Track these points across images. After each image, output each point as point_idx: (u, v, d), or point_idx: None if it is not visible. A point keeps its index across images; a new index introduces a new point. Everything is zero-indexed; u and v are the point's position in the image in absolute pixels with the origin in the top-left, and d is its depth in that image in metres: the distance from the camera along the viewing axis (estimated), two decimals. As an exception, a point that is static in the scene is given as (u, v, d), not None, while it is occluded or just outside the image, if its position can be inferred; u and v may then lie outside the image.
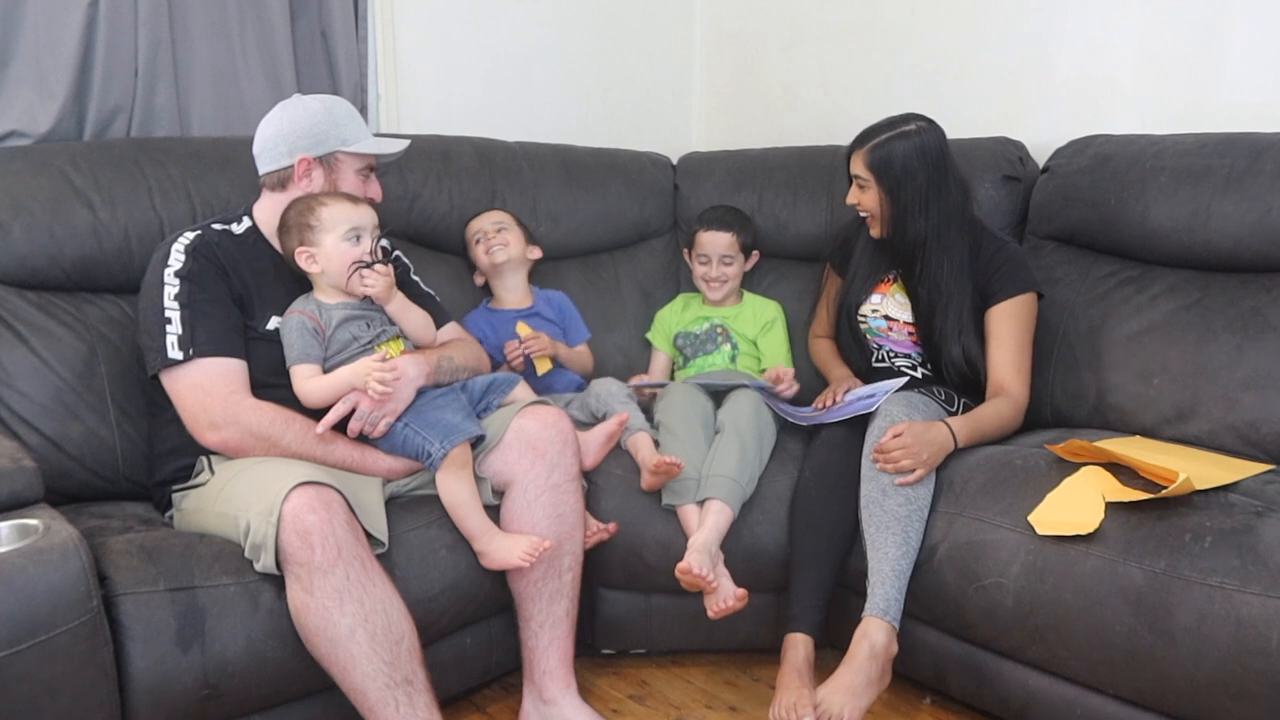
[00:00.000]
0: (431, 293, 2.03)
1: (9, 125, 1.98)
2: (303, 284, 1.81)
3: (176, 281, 1.68)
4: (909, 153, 1.97)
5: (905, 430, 1.77)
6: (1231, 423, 1.86)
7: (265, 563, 1.47)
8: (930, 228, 1.99)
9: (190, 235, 1.74)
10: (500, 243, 2.27)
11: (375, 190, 1.88)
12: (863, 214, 2.07)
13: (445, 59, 2.64)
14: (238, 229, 1.81)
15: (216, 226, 1.79)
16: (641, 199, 2.68)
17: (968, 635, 1.73)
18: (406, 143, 1.89)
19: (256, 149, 1.83)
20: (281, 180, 1.80)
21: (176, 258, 1.70)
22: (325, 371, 1.72)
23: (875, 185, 2.00)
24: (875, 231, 2.08)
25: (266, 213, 1.83)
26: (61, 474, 1.76)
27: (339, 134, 1.80)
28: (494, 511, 1.76)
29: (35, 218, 1.83)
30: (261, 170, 1.83)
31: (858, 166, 2.03)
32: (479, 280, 2.38)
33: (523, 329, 2.24)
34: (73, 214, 1.86)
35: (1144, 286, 2.08)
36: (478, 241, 2.31)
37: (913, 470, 1.76)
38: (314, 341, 1.71)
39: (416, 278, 2.03)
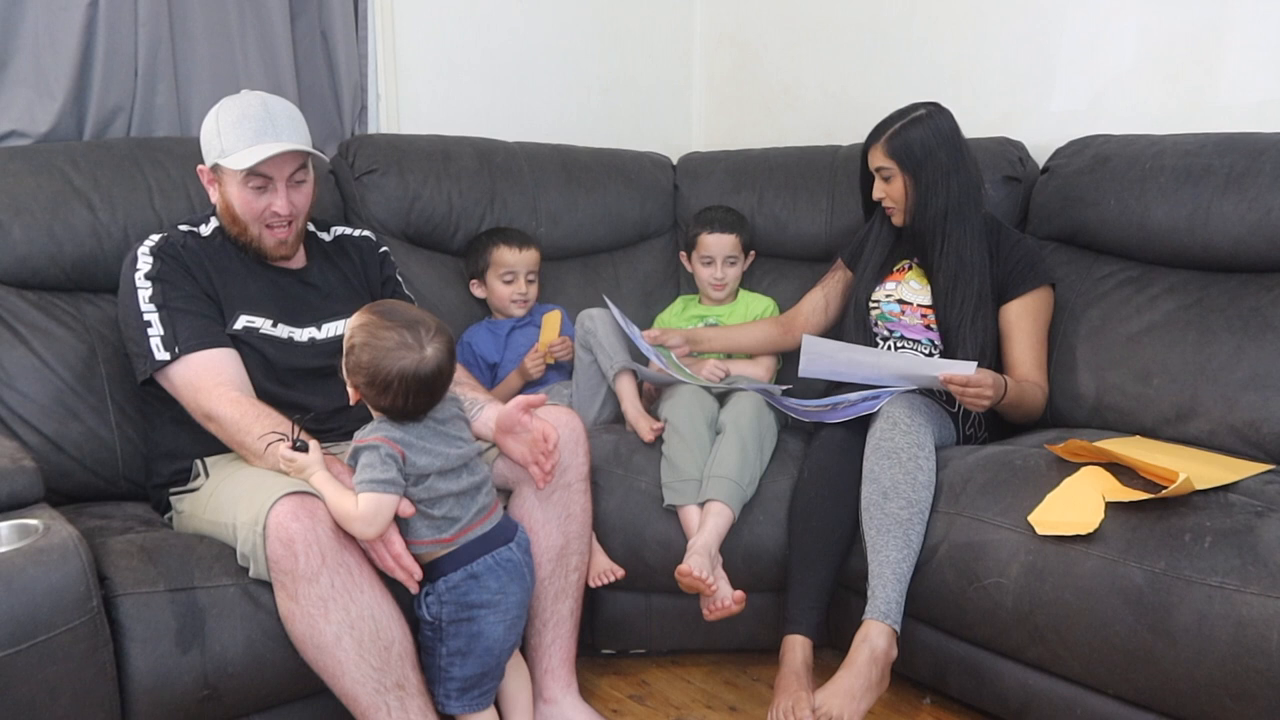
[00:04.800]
0: (412, 298, 2.01)
1: (9, 125, 1.99)
2: (274, 283, 1.79)
3: (148, 284, 1.69)
4: (926, 135, 2.01)
5: (984, 377, 1.83)
6: (1231, 423, 1.86)
7: (256, 570, 1.47)
8: (951, 203, 2.02)
9: (155, 238, 1.74)
10: (531, 296, 2.33)
11: (278, 204, 1.72)
12: (888, 205, 2.10)
13: (445, 59, 2.64)
14: (205, 230, 1.80)
15: (183, 228, 1.79)
16: (641, 199, 2.68)
17: (968, 635, 1.73)
18: (281, 146, 1.68)
19: None
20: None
21: (144, 261, 1.70)
22: None
23: (899, 172, 2.03)
24: (899, 220, 2.10)
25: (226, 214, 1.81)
26: (61, 474, 1.76)
27: (219, 144, 1.71)
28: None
29: (35, 218, 1.83)
30: None
31: (878, 159, 2.05)
32: (479, 292, 2.36)
33: (549, 326, 2.23)
34: (73, 214, 1.86)
35: (1144, 286, 2.08)
36: (508, 281, 2.30)
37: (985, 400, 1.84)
38: None
39: (401, 278, 2.01)
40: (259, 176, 1.70)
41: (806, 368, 2.00)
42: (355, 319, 1.50)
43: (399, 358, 1.44)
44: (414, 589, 1.54)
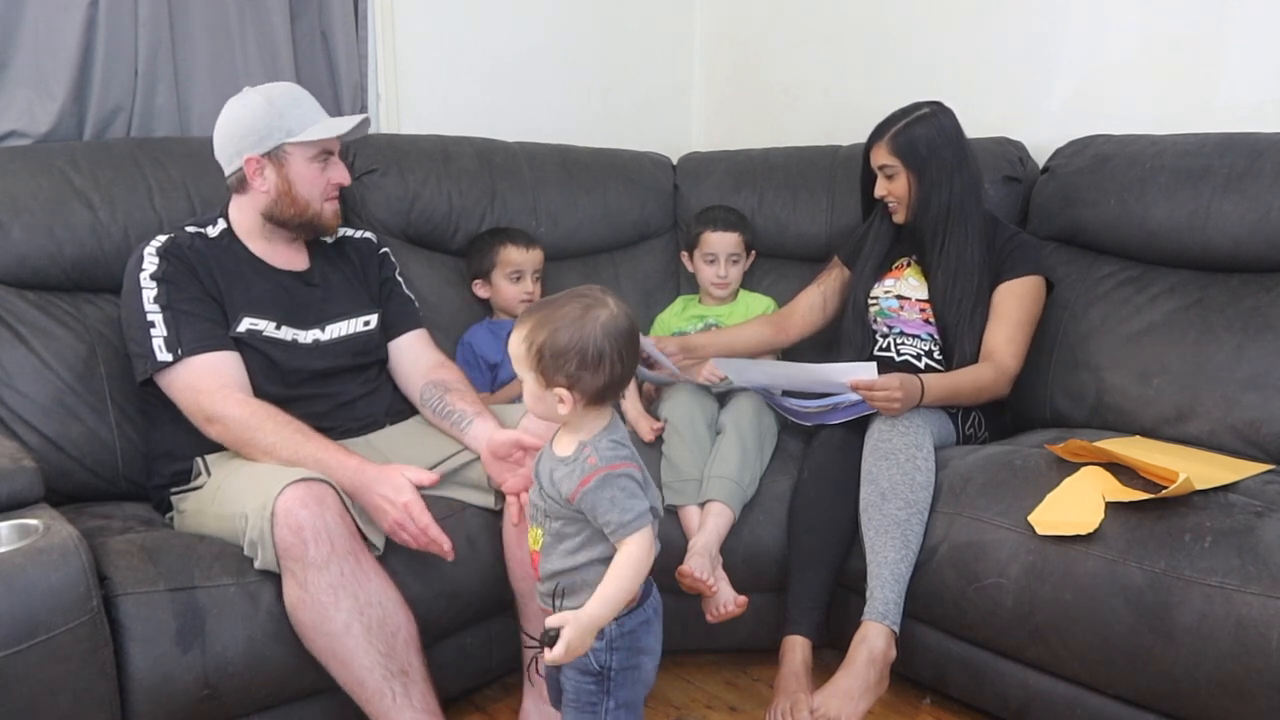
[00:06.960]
0: (411, 297, 2.01)
1: (9, 125, 1.98)
2: (279, 285, 1.79)
3: (153, 284, 1.69)
4: (930, 133, 2.02)
5: (889, 380, 1.82)
6: (1231, 423, 1.86)
7: (264, 559, 1.47)
8: (954, 200, 2.02)
9: (162, 239, 1.74)
10: (538, 295, 2.28)
11: (340, 174, 1.81)
12: (890, 203, 2.10)
13: (445, 59, 2.64)
14: (212, 231, 1.79)
15: (190, 229, 1.78)
16: (641, 199, 2.68)
17: (968, 635, 1.73)
18: (358, 119, 1.80)
19: (216, 152, 1.80)
20: (240, 182, 1.78)
21: (150, 261, 1.70)
22: None
23: (903, 170, 2.04)
24: (900, 218, 2.11)
25: (238, 214, 1.81)
26: (61, 474, 1.76)
27: (283, 125, 1.73)
28: (497, 516, 1.75)
29: (35, 218, 1.83)
30: (225, 173, 1.81)
31: (881, 157, 2.06)
32: (482, 292, 2.34)
33: None
34: (73, 214, 1.86)
35: (1144, 286, 2.08)
36: (516, 279, 2.28)
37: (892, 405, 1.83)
38: None
39: (401, 278, 2.01)
40: (324, 151, 1.77)
41: (740, 380, 2.05)
42: (519, 331, 1.30)
43: (594, 317, 1.27)
44: (450, 555, 1.57)
